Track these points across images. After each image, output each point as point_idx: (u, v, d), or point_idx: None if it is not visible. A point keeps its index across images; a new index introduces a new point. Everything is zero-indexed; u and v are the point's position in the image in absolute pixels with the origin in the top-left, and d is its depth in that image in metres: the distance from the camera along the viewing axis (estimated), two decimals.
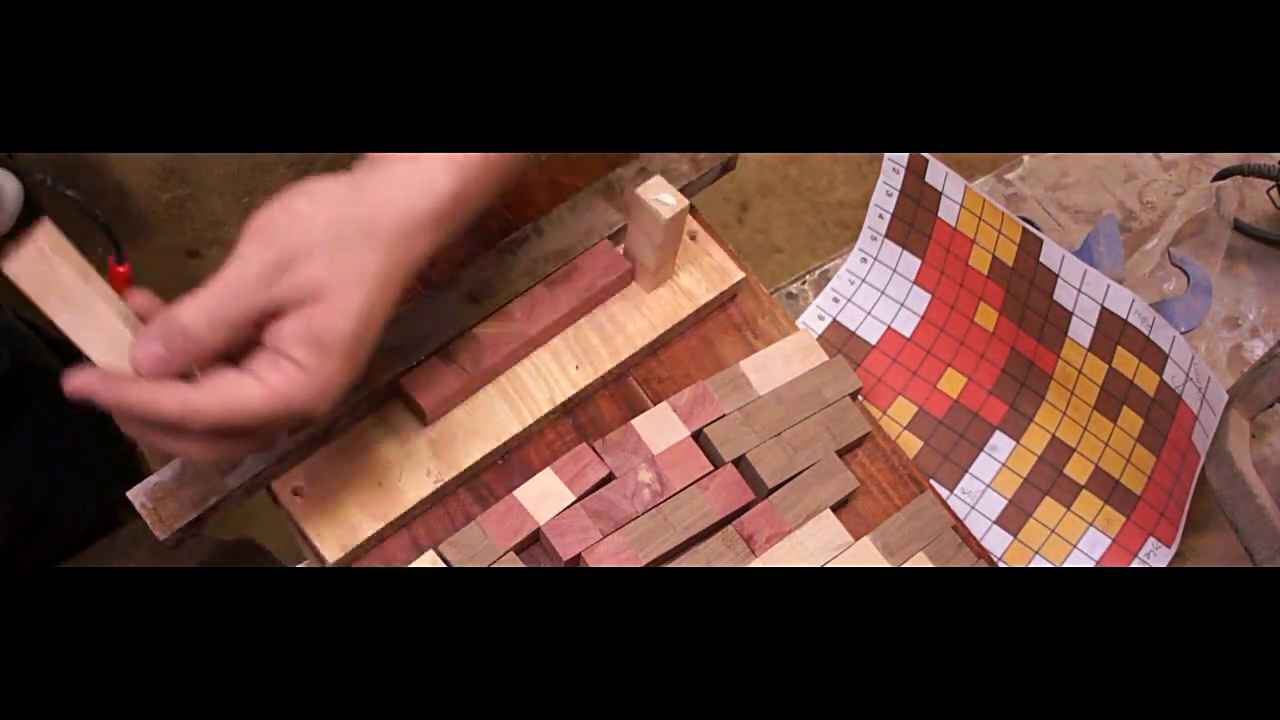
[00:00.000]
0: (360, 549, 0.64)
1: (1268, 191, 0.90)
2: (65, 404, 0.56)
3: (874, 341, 0.82)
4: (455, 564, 0.63)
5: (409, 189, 0.53)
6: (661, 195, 0.65)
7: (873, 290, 0.84)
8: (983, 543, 0.75)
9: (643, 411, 0.69)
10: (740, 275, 0.74)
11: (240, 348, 0.51)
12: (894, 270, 0.83)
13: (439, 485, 0.65)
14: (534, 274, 0.70)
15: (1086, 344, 0.73)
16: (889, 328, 0.82)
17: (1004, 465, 0.78)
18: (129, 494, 0.61)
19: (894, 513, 0.70)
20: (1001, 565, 0.75)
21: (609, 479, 0.67)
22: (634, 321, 0.71)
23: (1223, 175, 0.89)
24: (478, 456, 0.66)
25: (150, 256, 1.19)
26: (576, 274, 0.70)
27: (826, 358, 0.73)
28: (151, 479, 0.62)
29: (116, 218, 0.91)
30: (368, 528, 0.63)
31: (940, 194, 0.78)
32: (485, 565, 0.63)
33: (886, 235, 0.83)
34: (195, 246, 1.21)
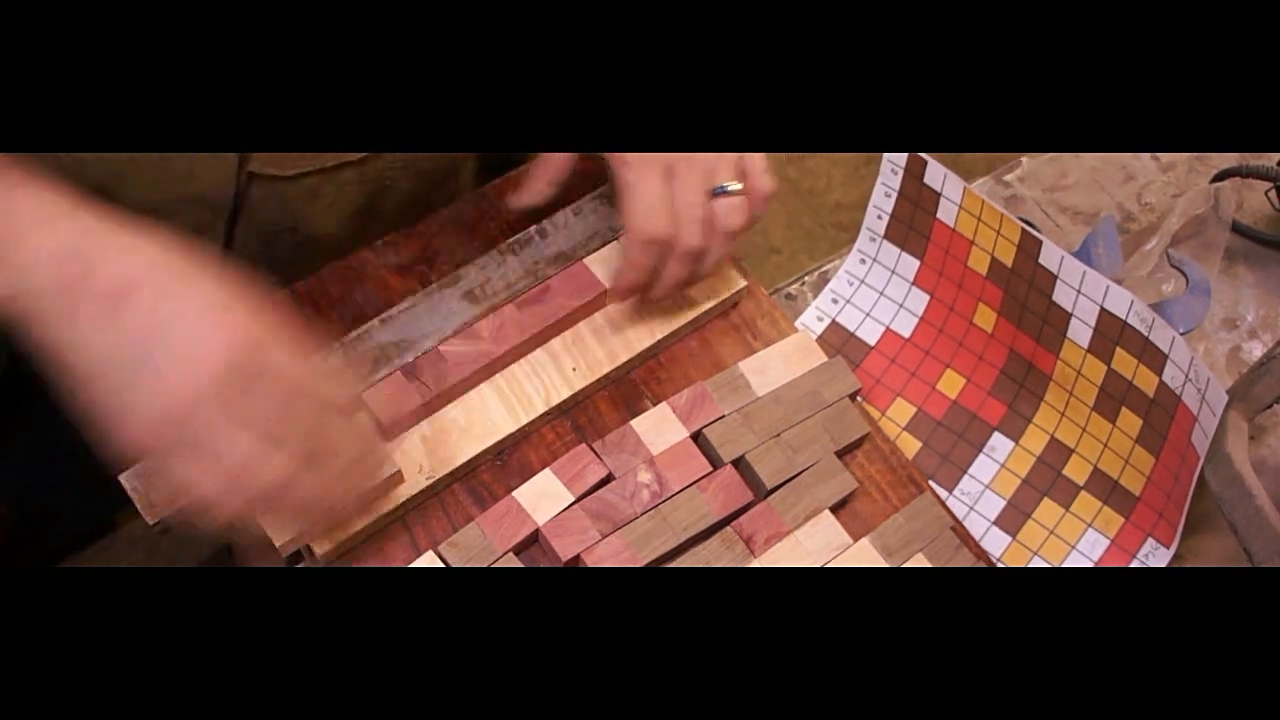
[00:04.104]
0: (350, 542, 0.63)
1: (1266, 193, 0.90)
2: (64, 405, 0.56)
3: (873, 342, 0.82)
4: (454, 565, 0.63)
5: None
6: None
7: (871, 291, 0.84)
8: (981, 543, 0.75)
9: (642, 412, 0.69)
10: (742, 284, 0.73)
11: None
12: (892, 271, 0.83)
13: (431, 482, 0.65)
14: (536, 275, 0.70)
15: (1085, 345, 0.73)
16: (887, 329, 0.82)
17: (1003, 466, 0.78)
18: (121, 476, 0.61)
19: (893, 514, 0.70)
20: (1000, 566, 0.75)
21: (608, 480, 0.67)
22: (633, 326, 0.71)
23: (1221, 176, 0.89)
24: (471, 455, 0.66)
25: None
26: (549, 295, 0.69)
27: (825, 358, 0.73)
28: (145, 462, 0.62)
29: None
30: (358, 521, 0.63)
31: (939, 195, 0.78)
32: (484, 566, 0.63)
33: (885, 236, 0.83)
34: None
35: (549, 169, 0.69)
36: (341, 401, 0.60)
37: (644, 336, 0.71)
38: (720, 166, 0.65)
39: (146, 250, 0.52)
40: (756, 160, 0.67)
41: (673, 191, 0.64)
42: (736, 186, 0.66)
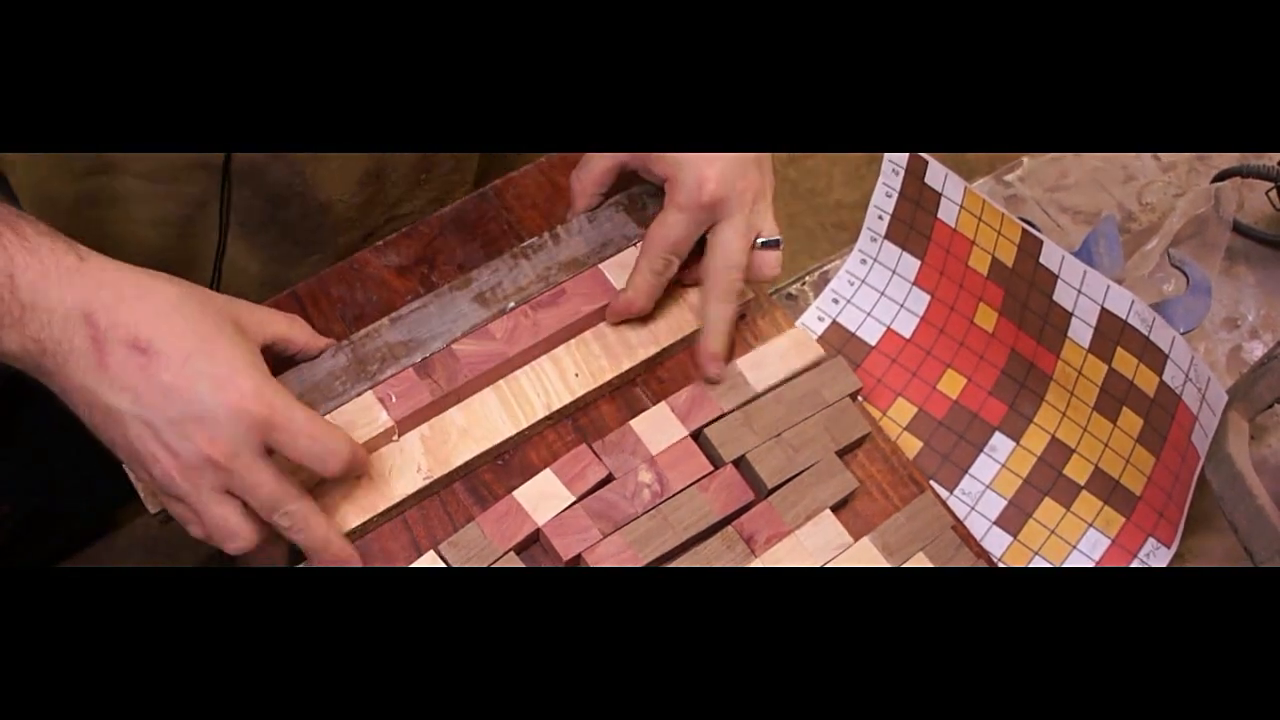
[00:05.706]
0: (347, 539, 0.63)
1: (1266, 193, 0.90)
2: (65, 404, 0.56)
3: (873, 342, 0.82)
4: (455, 564, 0.63)
5: None
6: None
7: (872, 291, 0.84)
8: (982, 543, 0.75)
9: (641, 412, 0.69)
10: (749, 295, 0.73)
11: None
12: (893, 271, 0.83)
13: (428, 482, 0.65)
14: (547, 280, 0.70)
15: (1086, 345, 0.73)
16: (888, 329, 0.82)
17: (1003, 466, 0.78)
18: (126, 464, 0.61)
19: (894, 513, 0.70)
20: (1001, 565, 0.75)
21: (608, 480, 0.67)
22: (637, 333, 0.71)
23: (1222, 176, 0.89)
24: (469, 457, 0.66)
25: None
26: (563, 298, 0.69)
27: (821, 351, 0.73)
28: None
29: None
30: (353, 519, 0.63)
31: (940, 195, 0.78)
32: (485, 565, 0.63)
33: (886, 236, 0.83)
34: None
35: (591, 178, 0.70)
36: (339, 467, 0.60)
37: (648, 344, 0.71)
38: (766, 217, 0.68)
39: (159, 303, 0.56)
40: (770, 217, 0.69)
41: (718, 235, 0.67)
42: (777, 239, 0.69)
